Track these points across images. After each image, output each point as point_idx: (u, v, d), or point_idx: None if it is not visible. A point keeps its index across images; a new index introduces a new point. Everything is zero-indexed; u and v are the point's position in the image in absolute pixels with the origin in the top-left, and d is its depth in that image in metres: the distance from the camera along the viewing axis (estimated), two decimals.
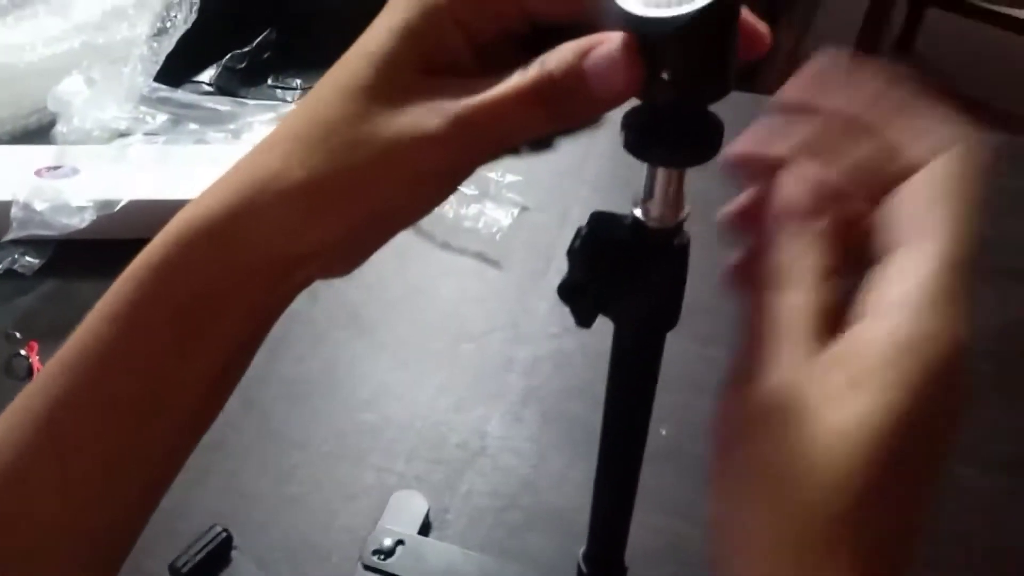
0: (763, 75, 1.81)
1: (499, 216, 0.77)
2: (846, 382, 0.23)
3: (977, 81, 2.07)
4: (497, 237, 0.76)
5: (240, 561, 0.55)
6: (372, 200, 0.30)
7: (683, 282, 0.34)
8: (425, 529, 0.58)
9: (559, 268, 0.74)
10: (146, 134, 0.79)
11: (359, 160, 0.29)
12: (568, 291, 0.33)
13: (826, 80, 0.29)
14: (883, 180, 0.27)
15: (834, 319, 0.25)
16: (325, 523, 0.58)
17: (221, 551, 0.55)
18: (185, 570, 0.53)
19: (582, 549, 0.47)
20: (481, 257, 0.75)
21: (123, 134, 0.78)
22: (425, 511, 0.57)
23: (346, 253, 0.32)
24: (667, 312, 0.34)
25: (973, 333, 0.24)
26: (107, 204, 0.72)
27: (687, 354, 0.67)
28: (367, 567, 0.54)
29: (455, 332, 0.70)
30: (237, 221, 0.30)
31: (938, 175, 0.26)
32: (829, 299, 0.25)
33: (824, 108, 0.28)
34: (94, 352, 0.31)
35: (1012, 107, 1.90)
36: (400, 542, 0.55)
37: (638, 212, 0.31)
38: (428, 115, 0.28)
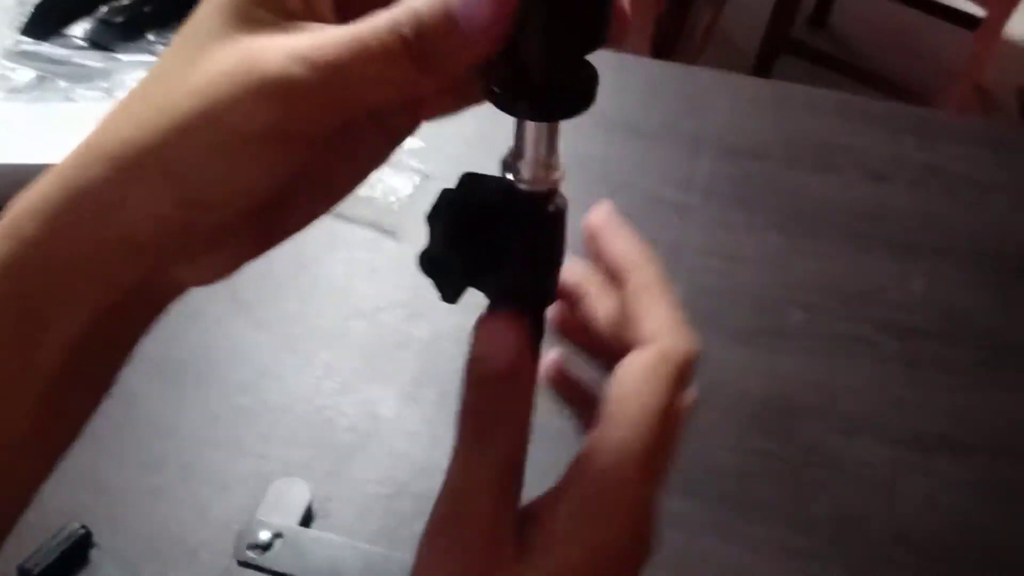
0: (682, 47, 1.80)
1: (398, 184, 0.73)
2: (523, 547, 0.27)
3: (887, 58, 2.10)
4: (395, 206, 0.72)
5: (99, 561, 0.50)
6: (183, 172, 0.25)
7: (560, 253, 0.30)
8: (307, 520, 0.53)
9: None
10: (9, 91, 0.71)
11: (165, 121, 0.24)
12: (429, 263, 0.29)
13: (605, 231, 0.33)
14: (614, 345, 0.31)
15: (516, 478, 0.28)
16: (196, 517, 0.53)
17: (78, 550, 0.50)
18: (36, 572, 0.48)
19: None
20: (377, 227, 0.71)
21: None
22: (307, 501, 0.53)
23: (191, 245, 0.27)
24: (542, 286, 0.30)
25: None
26: None
27: None
28: (242, 563, 0.50)
29: (345, 308, 0.65)
30: (66, 198, 0.25)
31: (649, 363, 0.29)
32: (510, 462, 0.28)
33: (601, 253, 0.33)
34: None
35: (919, 83, 1.93)
36: (278, 535, 0.51)
37: (507, 173, 0.28)
38: (260, 61, 0.24)
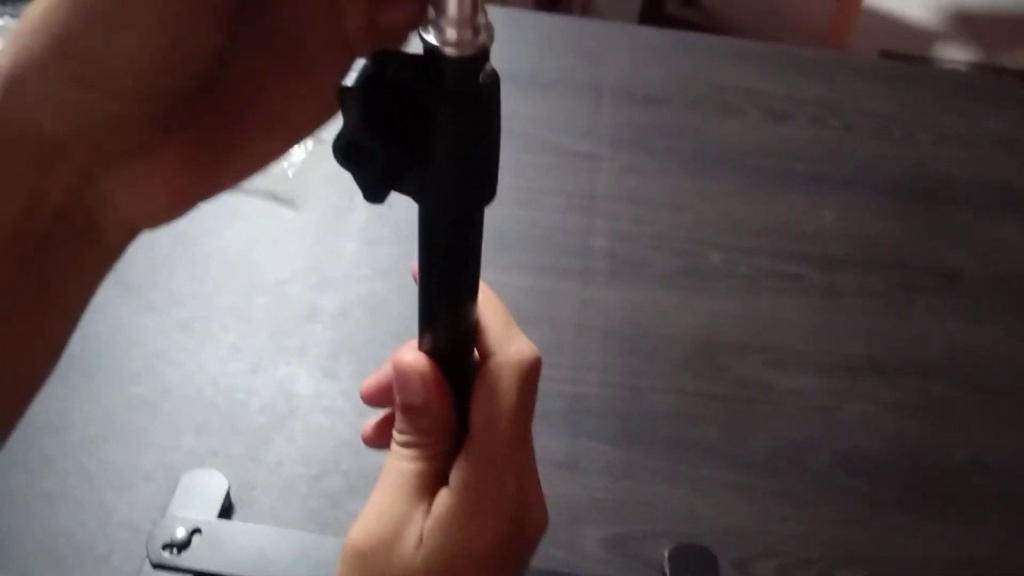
0: (564, 1, 1.79)
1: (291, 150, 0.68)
2: (423, 534, 0.30)
3: (760, 30, 2.15)
4: (290, 173, 0.67)
5: None
6: (66, 37, 0.21)
7: (495, 140, 0.26)
8: (227, 512, 0.48)
9: (365, 205, 0.67)
10: None
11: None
12: (345, 149, 0.24)
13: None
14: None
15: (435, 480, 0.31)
16: (98, 519, 0.48)
17: None
18: None
19: None
20: (272, 196, 0.66)
21: None
22: (225, 490, 0.48)
23: (107, 146, 0.23)
24: (479, 177, 0.27)
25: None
26: None
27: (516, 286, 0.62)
28: (157, 565, 0.45)
29: (245, 284, 0.60)
30: None
31: (493, 373, 0.31)
32: (431, 467, 0.31)
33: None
34: None
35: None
36: (196, 530, 0.46)
37: (428, 37, 0.24)
38: None
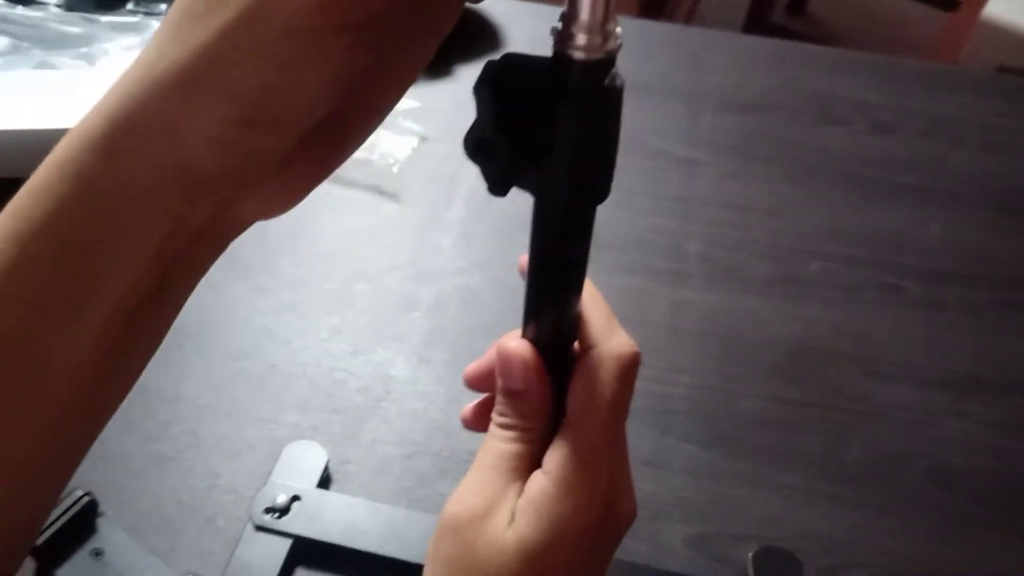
0: (669, 9, 1.79)
1: (396, 147, 0.70)
2: (515, 512, 0.31)
3: (866, 42, 2.11)
4: (394, 169, 0.69)
5: (107, 529, 0.47)
6: (235, 84, 0.23)
7: (614, 144, 0.28)
8: (325, 483, 0.51)
9: (464, 199, 0.69)
10: None
11: (210, 33, 0.23)
12: (475, 144, 0.26)
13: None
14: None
15: (530, 462, 0.32)
16: (206, 483, 0.50)
17: (84, 518, 0.47)
18: (40, 542, 0.45)
19: None
20: (375, 190, 0.68)
21: None
22: (324, 463, 0.50)
23: (254, 171, 0.25)
24: (596, 177, 0.28)
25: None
26: None
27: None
28: (259, 527, 0.47)
29: (349, 271, 0.63)
30: (117, 128, 0.24)
31: (594, 365, 0.32)
32: (527, 450, 0.32)
33: None
34: None
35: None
36: (296, 497, 0.48)
37: (559, 41, 0.25)
38: None
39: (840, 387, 0.58)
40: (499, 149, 0.26)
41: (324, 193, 0.67)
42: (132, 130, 0.24)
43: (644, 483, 0.52)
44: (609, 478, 0.31)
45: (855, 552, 0.50)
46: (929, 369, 0.59)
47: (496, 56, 0.27)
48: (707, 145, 0.73)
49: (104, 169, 0.24)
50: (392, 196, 0.68)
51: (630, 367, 0.32)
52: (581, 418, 0.31)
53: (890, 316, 0.62)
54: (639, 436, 0.54)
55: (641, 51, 0.81)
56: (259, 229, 0.62)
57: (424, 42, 0.28)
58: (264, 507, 0.48)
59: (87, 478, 0.48)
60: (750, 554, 0.48)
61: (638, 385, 0.55)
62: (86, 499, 0.47)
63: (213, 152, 0.24)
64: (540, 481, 0.31)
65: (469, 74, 0.77)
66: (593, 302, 0.34)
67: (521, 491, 0.31)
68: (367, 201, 0.68)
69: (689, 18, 1.86)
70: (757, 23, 1.91)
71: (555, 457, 0.31)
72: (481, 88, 0.25)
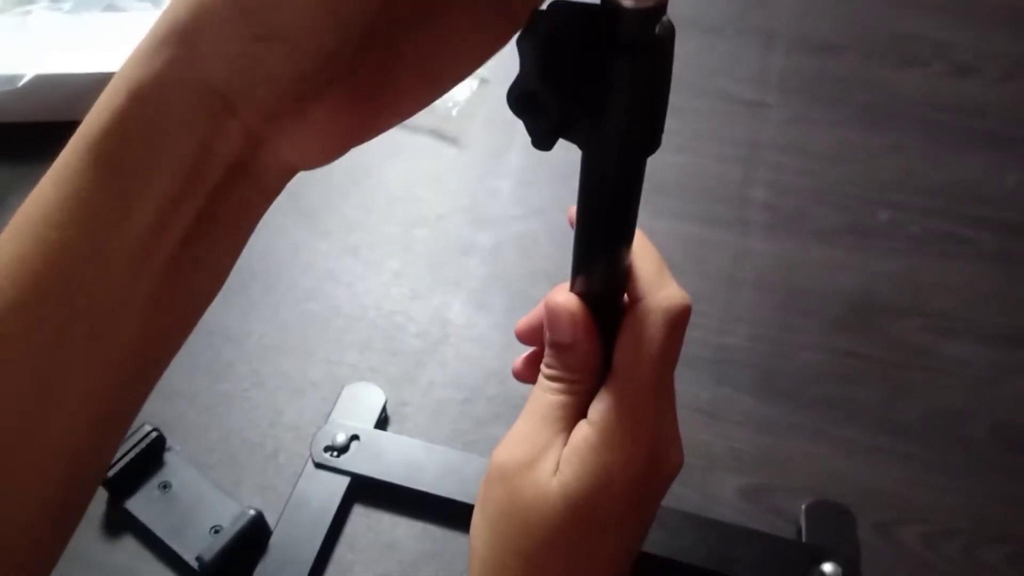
0: None
1: (456, 89, 0.70)
2: (560, 461, 0.31)
3: None
4: (454, 112, 0.69)
5: (175, 463, 0.49)
6: (300, 7, 0.22)
7: (667, 85, 0.27)
8: (382, 423, 0.52)
9: (522, 144, 0.68)
10: (51, 1, 0.69)
11: None
12: (519, 99, 0.26)
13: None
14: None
15: (577, 413, 0.32)
16: (269, 421, 0.52)
17: (153, 452, 0.49)
18: (111, 474, 0.47)
19: None
20: (436, 134, 0.68)
21: (23, 2, 0.69)
22: (382, 404, 0.52)
23: (278, 96, 0.25)
24: (648, 128, 0.27)
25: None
26: (8, 80, 0.64)
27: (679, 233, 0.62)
28: (319, 465, 0.49)
29: (408, 216, 0.63)
30: (158, 43, 0.24)
31: (643, 315, 0.32)
32: (574, 401, 0.32)
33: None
34: (40, 216, 0.25)
35: None
36: (355, 437, 0.50)
37: None
38: None
39: (904, 341, 0.56)
40: (547, 104, 0.26)
41: (387, 137, 0.68)
42: (160, 50, 0.24)
43: (698, 432, 0.52)
44: (655, 429, 0.31)
45: (913, 509, 0.50)
46: (998, 325, 0.57)
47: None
48: (776, 87, 0.71)
49: (141, 87, 0.24)
50: (452, 140, 0.68)
51: (679, 319, 0.32)
52: (627, 370, 0.31)
53: (960, 269, 0.60)
54: (695, 384, 0.54)
55: None
56: (322, 173, 0.63)
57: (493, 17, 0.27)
58: (324, 445, 0.49)
59: (156, 414, 0.51)
60: (803, 506, 0.48)
61: (694, 333, 0.55)
62: (154, 434, 0.49)
63: (231, 70, 0.24)
64: (585, 431, 0.31)
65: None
66: (644, 253, 0.33)
67: (567, 441, 0.32)
68: (428, 145, 0.68)
69: None
70: None
71: (600, 408, 0.31)
72: (526, 39, 0.25)
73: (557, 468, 0.31)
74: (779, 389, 0.54)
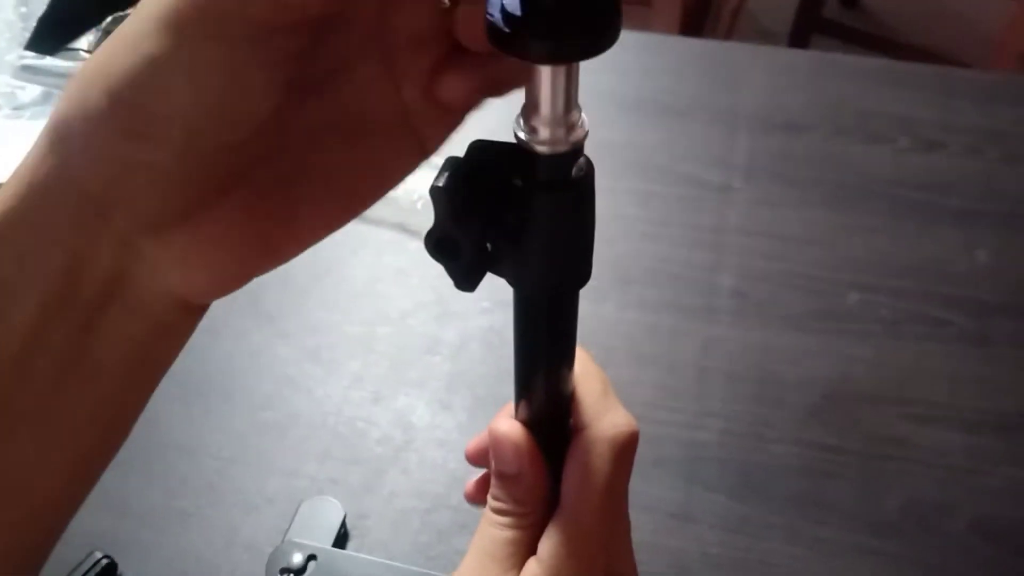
0: (710, 27, 1.75)
1: (420, 182, 0.69)
2: None
3: (922, 33, 2.03)
4: (418, 205, 0.68)
5: None
6: (117, 85, 0.21)
7: (589, 227, 0.26)
8: (342, 540, 0.50)
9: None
10: (13, 109, 0.69)
11: (148, 47, 0.21)
12: (436, 245, 0.25)
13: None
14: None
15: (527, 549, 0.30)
16: (224, 540, 0.50)
17: None
18: None
19: None
20: (400, 228, 0.68)
21: None
22: (341, 519, 0.50)
23: (153, 205, 0.23)
24: (573, 262, 0.26)
25: None
26: None
27: (628, 323, 0.61)
28: None
29: (372, 314, 0.62)
30: (42, 159, 0.22)
31: (587, 446, 0.30)
32: (523, 536, 0.31)
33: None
34: None
35: (957, 57, 1.86)
36: (312, 557, 0.48)
37: (520, 134, 0.24)
38: None
39: (879, 431, 0.55)
40: (461, 248, 0.25)
41: (349, 232, 0.67)
42: (47, 147, 0.22)
43: (671, 538, 0.50)
44: (605, 564, 0.30)
45: None
46: (976, 411, 0.55)
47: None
48: (741, 169, 0.70)
49: (18, 191, 0.23)
50: (416, 233, 0.68)
51: (626, 448, 0.31)
52: (574, 504, 0.30)
53: (935, 352, 0.58)
54: (666, 486, 0.52)
55: (674, 70, 0.78)
56: (282, 272, 0.60)
57: (403, 147, 0.27)
58: (280, 567, 0.47)
59: (108, 533, 0.49)
60: None
61: (665, 431, 0.54)
62: (105, 561, 0.47)
63: (106, 173, 0.22)
64: (533, 569, 0.30)
65: (495, 104, 0.75)
66: (587, 376, 0.32)
67: None
68: (391, 239, 0.67)
69: (735, 19, 1.82)
70: (808, 20, 1.85)
71: (548, 544, 0.30)
72: (438, 188, 0.24)
73: None
74: (753, 486, 0.53)
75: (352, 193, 0.27)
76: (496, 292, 0.62)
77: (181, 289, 0.25)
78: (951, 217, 0.66)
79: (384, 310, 0.62)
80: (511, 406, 0.33)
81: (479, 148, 0.25)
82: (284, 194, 0.25)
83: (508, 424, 0.32)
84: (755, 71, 0.79)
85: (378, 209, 0.73)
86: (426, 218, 0.70)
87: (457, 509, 0.52)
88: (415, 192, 0.69)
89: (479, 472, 0.37)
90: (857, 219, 0.67)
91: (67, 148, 0.22)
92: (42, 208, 0.23)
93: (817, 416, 0.56)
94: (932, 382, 0.57)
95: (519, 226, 0.25)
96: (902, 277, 0.63)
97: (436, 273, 0.65)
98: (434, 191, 0.24)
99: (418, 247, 0.67)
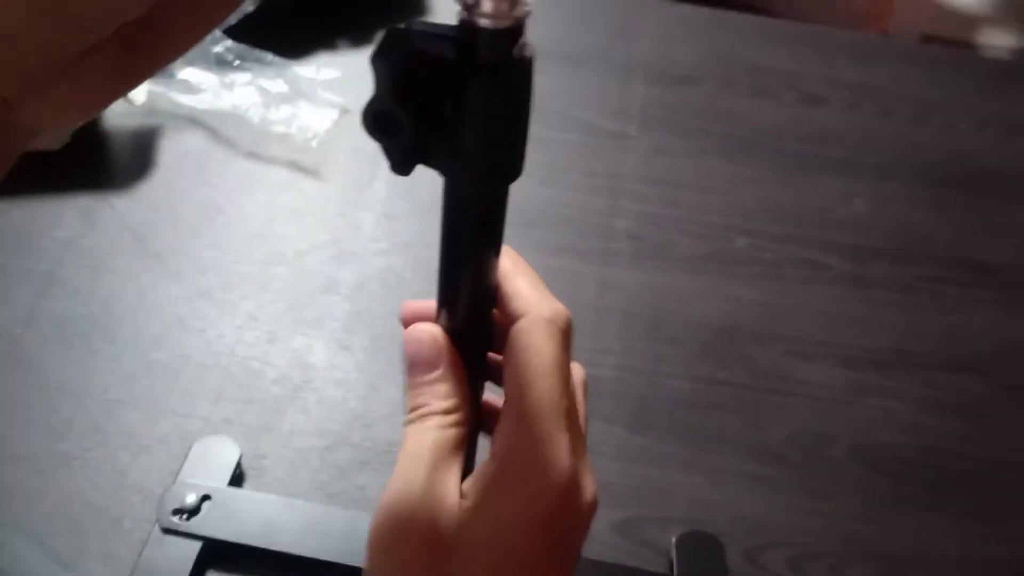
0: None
1: (315, 120, 0.67)
2: (462, 508, 0.28)
3: (799, 5, 2.10)
4: (314, 144, 0.66)
5: (6, 539, 0.45)
6: None
7: (527, 110, 0.26)
8: (238, 480, 0.49)
9: (386, 177, 0.67)
10: None
11: None
12: (374, 119, 0.24)
13: None
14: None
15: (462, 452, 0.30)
16: (113, 483, 0.48)
17: None
18: None
19: None
20: (295, 166, 0.66)
21: None
22: (236, 458, 0.48)
23: (48, 71, 0.22)
24: (506, 153, 0.26)
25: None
26: None
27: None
28: (167, 530, 0.45)
29: (266, 254, 0.60)
30: None
31: (534, 326, 0.30)
32: (456, 435, 0.30)
33: None
34: None
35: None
36: (206, 497, 0.46)
37: (461, 9, 0.23)
38: None
39: (766, 367, 0.57)
40: (402, 124, 0.24)
41: (241, 170, 0.65)
42: None
43: None
44: (570, 453, 0.28)
45: (780, 534, 0.50)
46: (855, 347, 0.59)
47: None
48: (637, 119, 0.72)
49: None
50: (312, 172, 0.66)
51: (567, 330, 0.30)
52: (525, 390, 0.28)
53: (817, 293, 0.62)
54: None
55: (571, 20, 0.79)
56: (171, 212, 0.59)
57: None
58: (172, 508, 0.46)
59: None
60: (673, 539, 0.48)
61: None
62: None
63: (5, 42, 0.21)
64: (488, 468, 0.28)
65: None
66: (520, 271, 0.32)
67: (457, 483, 0.29)
68: (286, 178, 0.65)
69: None
70: None
71: (502, 438, 0.28)
72: (379, 57, 0.23)
73: (456, 515, 0.28)
74: (649, 419, 0.54)
75: (211, 12, 0.25)
76: (394, 235, 0.62)
77: (41, 124, 0.24)
78: (832, 168, 0.70)
79: (279, 250, 0.61)
80: (422, 305, 0.33)
81: (419, 25, 0.24)
82: (151, 32, 0.24)
83: (424, 324, 0.31)
84: (648, 23, 0.80)
85: (271, 147, 0.71)
86: (320, 156, 0.68)
87: (358, 447, 0.51)
88: (309, 130, 0.67)
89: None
90: (745, 169, 0.69)
91: None
92: None
93: (708, 352, 0.58)
94: (814, 321, 0.60)
95: (456, 110, 0.24)
96: (786, 223, 0.66)
97: (332, 213, 0.64)
98: (375, 61, 0.23)
99: (314, 186, 0.65)
